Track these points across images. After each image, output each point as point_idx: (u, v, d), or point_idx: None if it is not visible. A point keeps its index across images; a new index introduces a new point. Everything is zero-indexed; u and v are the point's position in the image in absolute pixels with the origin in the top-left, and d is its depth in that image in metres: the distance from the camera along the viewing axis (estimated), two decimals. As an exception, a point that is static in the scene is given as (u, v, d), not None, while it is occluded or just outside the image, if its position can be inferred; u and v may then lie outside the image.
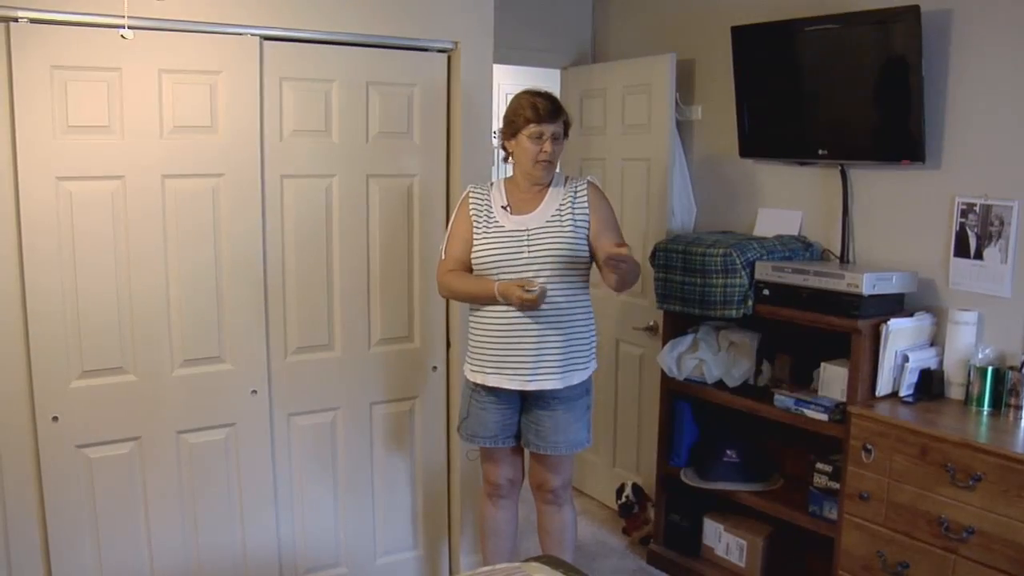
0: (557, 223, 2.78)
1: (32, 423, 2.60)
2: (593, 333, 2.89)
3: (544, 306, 2.71)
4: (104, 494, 2.73)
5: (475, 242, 2.82)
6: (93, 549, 2.73)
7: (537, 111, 2.73)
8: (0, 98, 2.45)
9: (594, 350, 2.89)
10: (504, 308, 2.75)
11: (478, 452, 3.09)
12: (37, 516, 2.64)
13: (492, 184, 2.93)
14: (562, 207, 2.80)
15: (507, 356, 2.77)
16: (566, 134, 2.84)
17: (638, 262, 2.77)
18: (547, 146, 2.75)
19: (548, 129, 2.74)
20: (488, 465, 3.02)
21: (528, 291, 2.62)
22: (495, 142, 3.45)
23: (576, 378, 2.82)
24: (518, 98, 2.80)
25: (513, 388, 2.80)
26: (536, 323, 2.74)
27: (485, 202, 2.85)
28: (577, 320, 2.81)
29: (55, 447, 2.63)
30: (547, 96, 2.79)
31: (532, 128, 2.73)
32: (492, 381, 2.82)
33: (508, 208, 2.83)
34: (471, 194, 2.89)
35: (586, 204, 2.81)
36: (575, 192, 2.83)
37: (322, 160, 2.99)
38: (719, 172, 3.82)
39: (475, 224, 2.83)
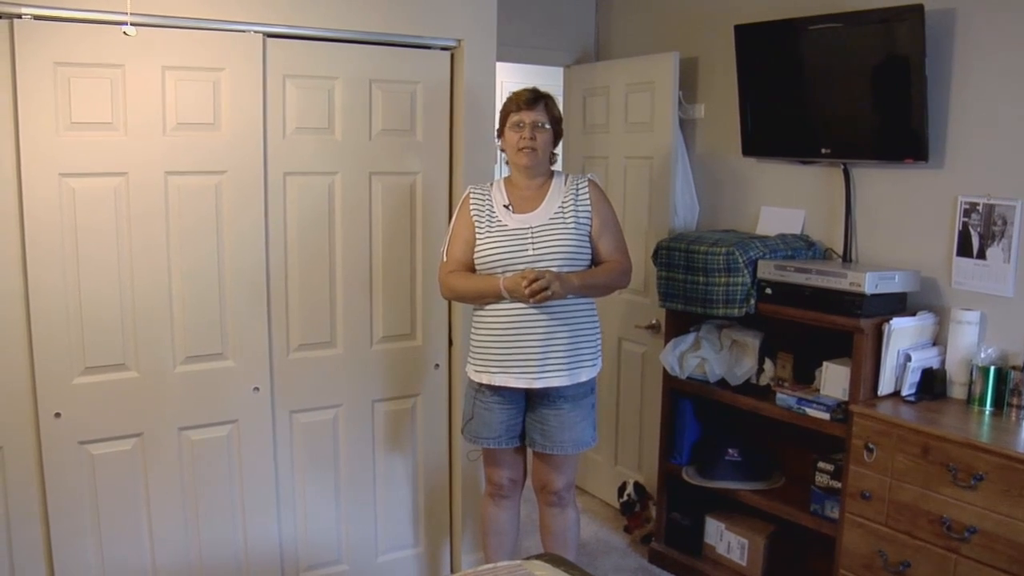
0: (560, 220, 2.78)
1: (35, 419, 2.61)
2: (598, 331, 2.89)
3: (552, 305, 2.72)
4: (106, 490, 2.73)
5: (478, 242, 2.81)
6: (95, 545, 2.74)
7: (515, 100, 2.81)
8: (3, 95, 2.46)
9: (600, 348, 2.89)
10: (509, 305, 2.75)
11: (479, 453, 3.09)
12: (39, 512, 2.65)
13: (492, 184, 2.94)
14: (564, 205, 2.81)
15: (513, 353, 2.77)
16: (555, 127, 2.85)
17: (577, 281, 2.72)
18: (526, 132, 2.78)
19: (527, 116, 2.79)
20: (491, 465, 3.01)
21: (533, 280, 2.60)
22: (498, 141, 3.46)
23: (584, 375, 2.81)
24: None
25: (520, 386, 2.79)
26: (543, 319, 2.74)
27: (486, 202, 2.86)
28: (583, 317, 2.81)
29: (57, 443, 2.64)
30: (529, 88, 2.85)
31: (512, 117, 2.82)
32: (498, 380, 2.81)
33: (510, 207, 2.83)
34: (471, 195, 2.89)
35: (588, 202, 2.82)
36: (576, 190, 2.83)
37: (325, 157, 2.99)
38: (722, 171, 3.82)
39: (477, 224, 2.83)
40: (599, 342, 2.89)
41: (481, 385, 2.87)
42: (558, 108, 2.90)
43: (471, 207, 2.86)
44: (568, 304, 2.77)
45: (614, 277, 2.84)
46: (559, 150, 2.98)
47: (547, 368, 2.76)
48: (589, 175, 2.92)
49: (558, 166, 3.02)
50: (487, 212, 2.84)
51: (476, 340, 2.86)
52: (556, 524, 3.01)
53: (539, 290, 2.61)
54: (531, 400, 2.86)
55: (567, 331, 2.77)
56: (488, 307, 2.80)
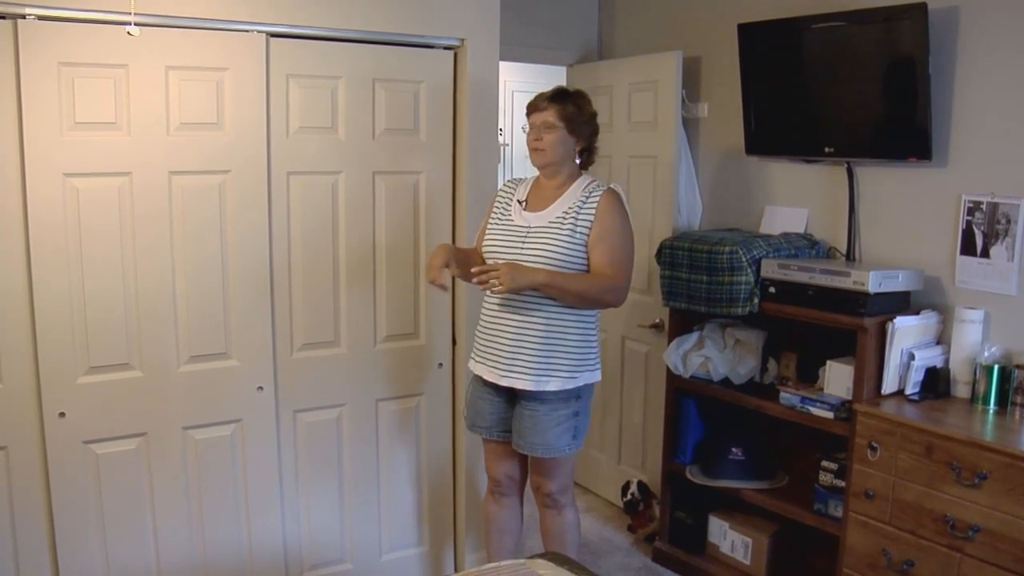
0: (558, 225, 2.75)
1: (39, 419, 2.61)
2: (587, 343, 2.79)
3: (527, 304, 2.72)
4: (111, 490, 2.74)
5: (486, 232, 2.88)
6: (99, 544, 2.74)
7: (531, 103, 2.84)
8: (8, 95, 2.46)
9: (587, 361, 2.79)
10: (491, 299, 2.79)
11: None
12: (44, 511, 2.65)
13: (525, 180, 2.97)
14: (569, 211, 2.76)
15: (489, 346, 2.82)
16: (568, 125, 2.77)
17: (554, 285, 2.65)
18: (534, 133, 2.81)
19: (537, 118, 2.80)
20: (488, 459, 3.03)
21: (483, 271, 2.62)
22: (501, 139, 3.47)
23: (553, 384, 2.73)
24: None
25: (491, 380, 2.83)
26: (515, 318, 2.74)
27: (509, 196, 2.91)
28: (565, 325, 2.74)
29: (62, 443, 2.64)
30: (552, 88, 2.85)
31: (528, 120, 2.85)
32: (478, 370, 2.88)
33: (523, 204, 2.86)
34: (502, 188, 2.97)
35: (593, 211, 2.73)
36: (587, 196, 2.76)
37: (328, 157, 2.99)
38: (725, 170, 3.82)
39: (492, 217, 2.91)
40: (585, 356, 2.78)
41: (475, 374, 2.92)
42: (581, 106, 2.80)
43: (497, 200, 2.94)
44: (547, 311, 2.71)
45: (596, 287, 2.68)
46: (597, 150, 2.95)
47: (515, 368, 2.75)
48: (612, 184, 2.83)
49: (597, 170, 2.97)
50: (504, 205, 2.90)
51: (477, 329, 2.91)
52: (554, 526, 3.00)
53: (482, 274, 2.60)
54: (515, 396, 2.86)
55: (540, 335, 2.72)
56: (486, 299, 2.84)
